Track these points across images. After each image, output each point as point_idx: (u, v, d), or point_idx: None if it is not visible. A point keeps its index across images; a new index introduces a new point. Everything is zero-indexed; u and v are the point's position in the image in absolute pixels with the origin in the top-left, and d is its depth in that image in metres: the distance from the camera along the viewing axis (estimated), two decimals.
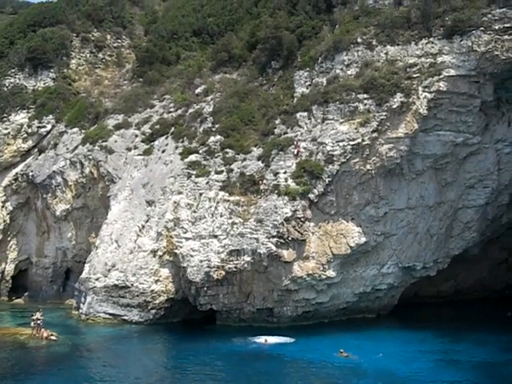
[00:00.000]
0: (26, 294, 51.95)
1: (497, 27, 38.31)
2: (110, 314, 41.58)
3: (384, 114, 39.74)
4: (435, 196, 42.55)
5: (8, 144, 53.26)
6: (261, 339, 36.73)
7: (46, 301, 49.16)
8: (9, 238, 52.69)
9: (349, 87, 41.11)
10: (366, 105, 40.43)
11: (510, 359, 33.25)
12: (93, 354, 34.89)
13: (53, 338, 37.24)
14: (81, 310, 42.90)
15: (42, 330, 37.70)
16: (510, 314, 43.58)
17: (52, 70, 56.01)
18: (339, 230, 39.82)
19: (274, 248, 38.64)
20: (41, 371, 31.18)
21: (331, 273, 39.74)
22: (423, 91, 39.68)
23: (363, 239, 40.02)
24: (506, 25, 38.11)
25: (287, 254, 38.84)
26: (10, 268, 52.59)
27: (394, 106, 39.68)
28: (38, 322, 38.16)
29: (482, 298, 49.30)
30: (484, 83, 40.17)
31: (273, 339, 36.79)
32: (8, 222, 52.39)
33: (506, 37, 38.05)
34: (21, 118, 54.06)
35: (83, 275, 43.63)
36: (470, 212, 44.29)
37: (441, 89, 39.53)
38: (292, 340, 36.86)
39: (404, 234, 42.06)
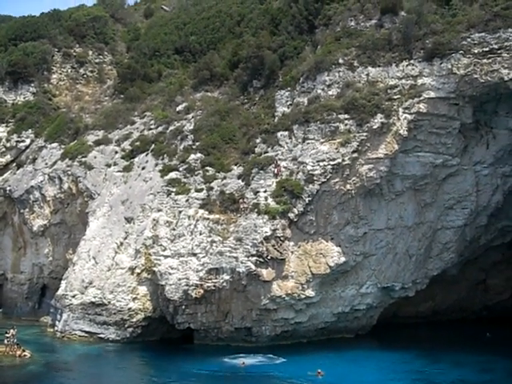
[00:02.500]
0: (0, 310, 51.07)
1: (476, 51, 38.85)
2: (86, 332, 41.10)
3: (364, 134, 40.00)
4: (414, 216, 42.79)
5: None
6: (239, 360, 36.35)
7: (20, 318, 48.43)
8: None
9: (330, 107, 41.34)
10: (346, 125, 40.66)
11: (487, 380, 33.39)
12: (68, 373, 34.44)
13: (27, 355, 36.66)
14: (56, 328, 42.37)
15: (16, 347, 37.07)
16: (489, 335, 43.72)
17: (32, 85, 55.76)
18: (319, 249, 39.80)
19: (253, 267, 38.49)
20: None
21: (310, 292, 39.64)
22: (403, 112, 40.07)
23: (342, 259, 40.03)
24: (484, 49, 38.67)
25: (266, 273, 38.70)
26: None
27: (375, 127, 39.97)
28: (12, 339, 37.53)
29: (460, 318, 49.52)
30: (463, 106, 40.68)
31: (251, 360, 36.46)
32: None
33: (485, 60, 38.59)
34: None
35: (59, 292, 43.08)
36: (449, 233, 44.59)
37: (421, 110, 39.95)
38: (271, 360, 36.61)
39: (383, 255, 42.17)
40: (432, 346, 40.90)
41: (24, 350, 36.98)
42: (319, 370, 33.62)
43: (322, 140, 40.76)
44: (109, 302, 40.93)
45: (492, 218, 46.01)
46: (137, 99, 51.79)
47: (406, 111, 40.01)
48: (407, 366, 36.03)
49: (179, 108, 49.02)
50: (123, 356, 38.34)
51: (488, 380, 33.45)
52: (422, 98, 39.82)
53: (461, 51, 39.14)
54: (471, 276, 50.78)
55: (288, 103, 44.06)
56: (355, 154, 39.78)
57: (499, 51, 38.32)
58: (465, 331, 46.03)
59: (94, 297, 41.36)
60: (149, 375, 34.80)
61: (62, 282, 43.70)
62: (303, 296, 39.49)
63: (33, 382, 32.39)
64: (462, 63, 39.03)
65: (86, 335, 40.96)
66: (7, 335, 37.79)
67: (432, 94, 39.83)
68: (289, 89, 44.62)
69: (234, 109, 46.63)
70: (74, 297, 41.88)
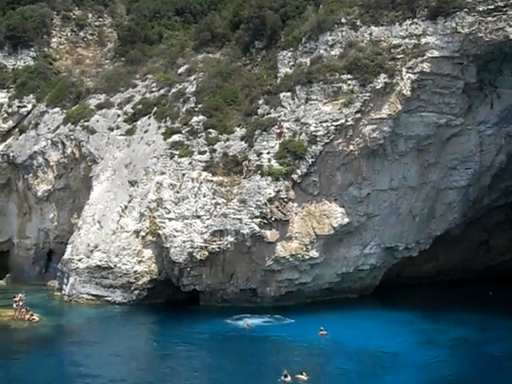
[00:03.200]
0: (8, 275, 51.50)
1: (481, 9, 38.27)
2: (93, 295, 41.46)
3: (367, 94, 39.75)
4: (418, 177, 42.73)
5: None
6: (246, 321, 36.53)
7: (28, 282, 48.75)
8: None
9: (332, 68, 41.03)
10: (349, 85, 40.39)
11: (489, 337, 33.81)
12: (76, 335, 34.85)
13: (35, 319, 37.03)
14: (63, 291, 42.75)
15: (25, 311, 37.40)
16: (491, 295, 44.04)
17: (32, 49, 55.20)
18: (322, 210, 39.92)
19: (257, 228, 38.67)
20: (24, 353, 31.06)
21: (314, 253, 39.89)
22: (407, 72, 39.72)
23: (346, 220, 40.17)
24: (489, 6, 38.08)
25: (270, 234, 38.89)
26: None
27: (378, 87, 39.69)
28: (21, 303, 37.91)
29: (462, 278, 49.74)
30: (467, 65, 40.25)
31: (256, 320, 36.79)
32: None
33: (490, 18, 38.02)
34: (1, 97, 53.29)
35: (65, 256, 43.38)
36: (452, 193, 44.59)
37: (424, 70, 39.57)
38: (279, 320, 36.99)
39: (387, 215, 42.26)
40: (435, 305, 41.28)
41: (32, 314, 37.33)
42: (322, 328, 33.93)
43: (324, 101, 40.55)
44: (114, 266, 41.25)
45: (496, 178, 45.92)
46: (138, 62, 51.39)
47: (410, 71, 39.66)
48: (410, 326, 36.37)
49: (181, 70, 48.62)
50: (130, 318, 38.77)
51: (490, 338, 33.82)
52: (425, 58, 39.41)
53: (465, 9, 38.57)
54: (474, 236, 50.94)
55: (290, 64, 43.68)
56: (358, 115, 39.59)
57: (505, 9, 37.75)
58: (467, 291, 46.33)
59: (100, 260, 41.66)
60: (155, 336, 35.27)
61: (68, 246, 43.98)
62: (307, 257, 39.74)
63: (42, 345, 32.76)
64: (466, 21, 38.48)
65: (93, 298, 41.36)
66: (15, 299, 38.18)
67: (436, 54, 39.41)
68: (291, 49, 44.19)
69: (236, 70, 46.27)
70: (80, 261, 42.20)
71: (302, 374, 26.57)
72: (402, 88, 39.62)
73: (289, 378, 26.14)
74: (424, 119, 41.22)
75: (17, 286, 46.39)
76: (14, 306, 38.01)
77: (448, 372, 27.70)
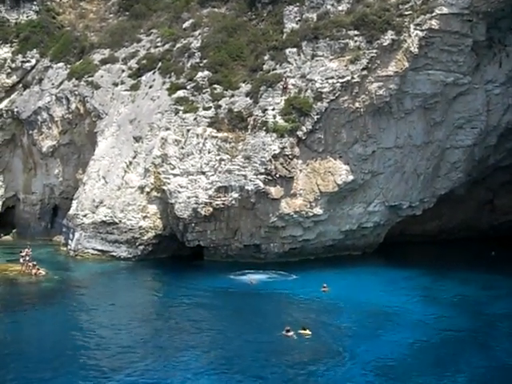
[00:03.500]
0: (14, 230, 51.86)
1: None
2: (99, 250, 41.78)
3: (374, 51, 39.36)
4: (423, 135, 42.56)
5: None
6: (248, 277, 36.78)
7: (34, 237, 48.94)
8: None
9: (339, 23, 40.55)
10: (356, 42, 39.97)
11: (490, 296, 34.02)
12: (82, 289, 35.12)
13: (42, 273, 37.35)
14: (69, 247, 43.09)
15: (31, 265, 37.68)
16: (494, 254, 44.25)
17: (35, 3, 54.14)
18: (327, 167, 39.90)
19: (261, 185, 38.72)
20: (32, 306, 31.39)
21: (318, 210, 40.01)
22: (415, 29, 39.27)
23: (350, 177, 40.17)
24: None
25: (275, 191, 38.97)
26: None
27: (385, 44, 39.27)
28: (27, 258, 38.20)
29: (466, 237, 49.89)
30: (477, 22, 39.71)
31: (260, 276, 37.09)
32: None
33: None
34: (4, 52, 52.68)
35: (71, 212, 43.61)
36: (458, 152, 44.46)
37: (433, 27, 39.08)
38: (284, 276, 37.31)
39: (391, 173, 42.23)
40: (437, 263, 41.55)
41: (39, 269, 37.56)
42: (324, 285, 34.18)
43: (331, 57, 40.15)
44: (120, 221, 41.48)
45: (502, 137, 45.74)
46: (142, 16, 50.59)
47: (418, 28, 39.19)
48: (413, 283, 36.63)
49: (186, 25, 47.92)
50: (135, 273, 39.16)
51: (491, 295, 34.08)
52: (434, 14, 38.89)
53: None
54: (478, 196, 50.97)
55: (297, 19, 42.99)
56: (365, 72, 39.23)
57: None
58: (470, 250, 46.52)
59: (105, 216, 41.86)
60: (160, 291, 35.54)
61: (73, 201, 44.15)
62: (311, 214, 39.88)
63: (49, 298, 33.10)
64: None
65: (99, 253, 41.68)
66: (22, 254, 38.48)
67: (445, 10, 38.84)
68: (297, 4, 43.41)
69: (241, 25, 45.54)
70: (85, 216, 42.42)
71: (305, 329, 26.84)
72: (409, 45, 39.18)
73: (291, 333, 26.46)
74: (431, 77, 40.87)
75: (23, 241, 46.70)
76: (21, 260, 38.34)
77: (449, 328, 28.02)
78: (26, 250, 38.71)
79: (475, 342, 26.59)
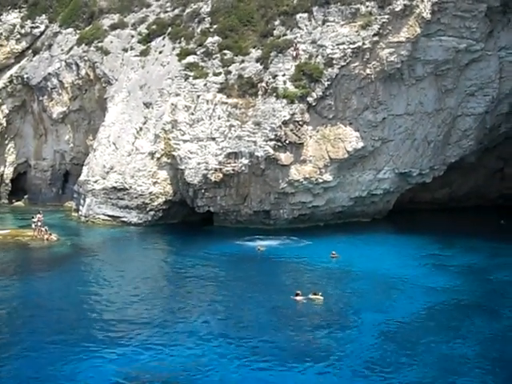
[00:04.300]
0: (25, 196, 52.34)
1: None
2: (109, 216, 42.13)
3: (386, 17, 39.00)
4: (434, 103, 42.31)
5: (1, 45, 52.01)
6: (257, 244, 36.70)
7: (45, 203, 49.47)
8: (6, 142, 52.48)
9: None
10: (367, 7, 39.58)
11: (498, 263, 34.03)
12: (94, 254, 35.38)
13: (54, 238, 37.73)
14: (80, 212, 43.43)
15: (43, 231, 38.01)
16: (503, 222, 44.24)
17: None
18: (337, 134, 39.83)
19: (271, 151, 38.72)
20: (45, 270, 31.75)
21: (328, 177, 40.04)
22: None
23: (361, 144, 40.09)
24: None
25: (284, 157, 38.98)
26: (8, 171, 52.70)
27: (397, 9, 38.87)
28: (39, 223, 38.47)
29: (476, 205, 49.88)
30: None
31: (271, 242, 37.11)
32: (5, 125, 52.01)
33: None
34: (13, 17, 52.52)
35: (82, 178, 43.83)
36: (469, 120, 44.22)
37: None
38: (296, 242, 37.52)
39: (401, 140, 42.10)
40: (446, 231, 41.44)
41: (51, 234, 37.94)
42: (333, 252, 34.36)
43: (342, 22, 39.83)
44: (130, 187, 41.68)
45: None
46: None
47: None
48: (421, 250, 36.61)
49: None
50: (146, 238, 39.45)
51: (500, 264, 34.05)
52: None
53: None
54: (489, 164, 50.76)
55: None
56: (376, 38, 38.97)
57: None
58: (480, 218, 46.55)
59: (116, 182, 42.08)
60: (170, 256, 35.87)
61: (84, 167, 44.36)
62: (321, 180, 39.94)
63: (61, 262, 33.44)
64: None
65: (110, 219, 42.05)
66: (34, 220, 38.74)
67: None
68: None
69: None
70: (95, 182, 42.65)
71: (316, 294, 26.79)
72: (421, 11, 38.74)
73: (301, 297, 26.67)
74: (443, 43, 40.53)
75: (34, 207, 47.24)
76: (33, 226, 38.59)
77: (456, 295, 28.15)
78: (38, 215, 38.99)
79: (483, 308, 26.68)
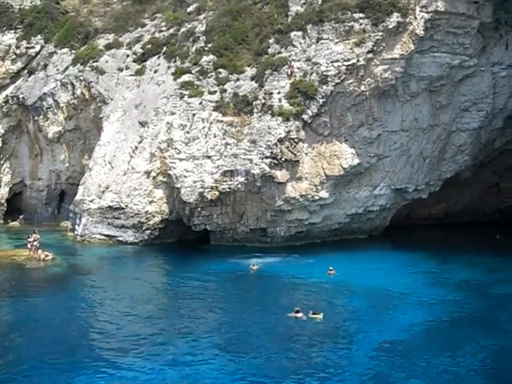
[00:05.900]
0: (21, 216, 52.08)
1: None
2: (105, 235, 41.99)
3: (380, 34, 39.21)
4: (429, 118, 42.52)
5: None
6: (251, 262, 36.32)
7: (41, 223, 49.23)
8: (2, 162, 52.27)
9: (344, 6, 40.30)
10: (361, 24, 39.77)
11: (495, 279, 34.07)
12: (90, 274, 35.20)
13: (50, 258, 37.51)
14: (76, 232, 43.28)
15: (39, 251, 37.83)
16: (499, 237, 44.27)
17: None
18: (332, 151, 39.92)
19: (267, 169, 38.76)
20: (41, 291, 31.50)
21: (324, 194, 40.07)
22: (420, 11, 39.12)
23: (356, 160, 40.17)
24: None
25: (280, 174, 39.02)
26: (4, 191, 52.43)
27: (390, 26, 39.11)
28: (35, 243, 38.24)
29: (472, 221, 50.03)
30: (483, 4, 39.57)
31: (269, 259, 37.00)
32: (0, 145, 51.96)
33: None
34: (8, 38, 52.65)
35: (77, 197, 43.74)
36: (464, 135, 44.45)
37: (438, 9, 38.93)
38: (284, 258, 37.51)
39: (397, 156, 42.24)
40: (443, 246, 41.53)
41: (47, 254, 37.74)
42: (331, 268, 34.25)
43: (336, 40, 39.99)
44: (126, 206, 41.59)
45: (508, 120, 45.73)
46: (146, 1, 50.21)
47: (423, 10, 39.08)
48: (419, 266, 36.72)
49: (190, 9, 47.69)
50: (142, 257, 39.33)
51: (497, 279, 34.12)
52: None
53: None
54: (484, 179, 50.96)
55: (301, 2, 42.69)
56: (370, 55, 39.13)
57: None
58: (476, 233, 46.55)
59: (112, 201, 41.99)
60: (167, 275, 35.76)
61: (80, 187, 44.27)
62: (317, 197, 39.95)
63: (58, 283, 33.25)
64: None
65: (106, 238, 41.89)
66: (30, 240, 38.53)
67: None
68: None
69: (246, 8, 45.21)
70: (91, 201, 42.55)
71: (315, 314, 26.50)
72: (414, 27, 39.02)
73: (300, 314, 26.52)
74: (437, 60, 40.81)
75: (30, 226, 46.90)
76: (29, 246, 38.40)
77: (454, 310, 28.14)
78: (34, 235, 38.75)
79: (482, 323, 26.69)
